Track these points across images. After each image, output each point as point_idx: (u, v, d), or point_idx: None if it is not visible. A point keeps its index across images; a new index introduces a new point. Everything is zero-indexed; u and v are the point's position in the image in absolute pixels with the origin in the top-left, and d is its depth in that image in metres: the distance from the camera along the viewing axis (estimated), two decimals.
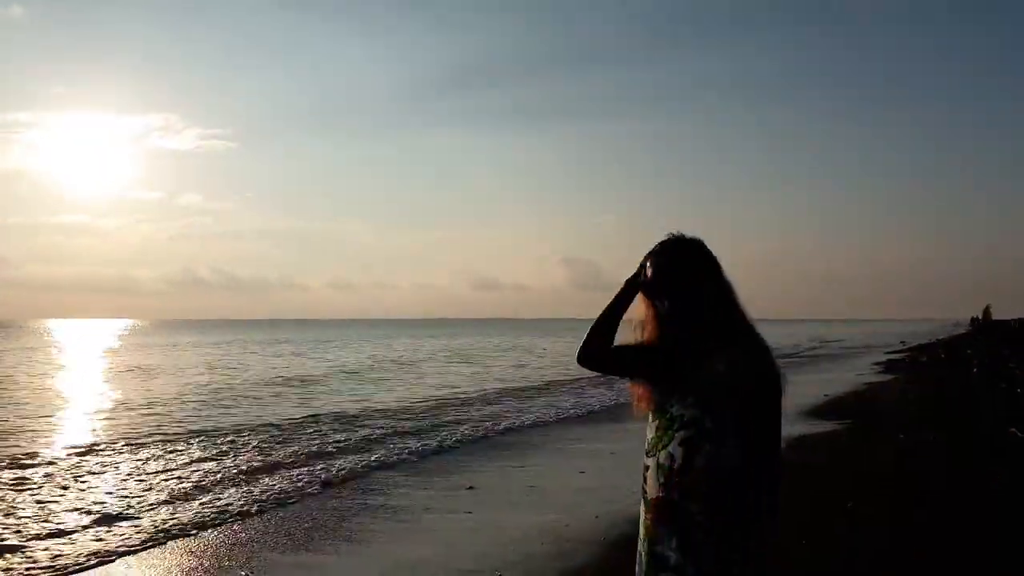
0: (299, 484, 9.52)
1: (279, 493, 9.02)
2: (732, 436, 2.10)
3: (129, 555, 6.76)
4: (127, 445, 12.52)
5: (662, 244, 2.26)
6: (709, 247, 2.27)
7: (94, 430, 14.81)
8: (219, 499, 8.71)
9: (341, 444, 12.66)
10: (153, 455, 11.71)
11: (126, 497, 8.88)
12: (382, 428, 14.59)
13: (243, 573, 6.10)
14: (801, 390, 18.43)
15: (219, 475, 10.10)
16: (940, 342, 40.46)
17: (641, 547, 2.23)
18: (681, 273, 2.20)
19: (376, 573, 6.06)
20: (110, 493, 9.14)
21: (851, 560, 5.55)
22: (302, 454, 11.69)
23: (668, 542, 2.14)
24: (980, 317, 65.82)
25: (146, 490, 9.27)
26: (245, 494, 8.94)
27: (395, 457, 11.45)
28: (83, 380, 28.13)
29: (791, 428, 11.64)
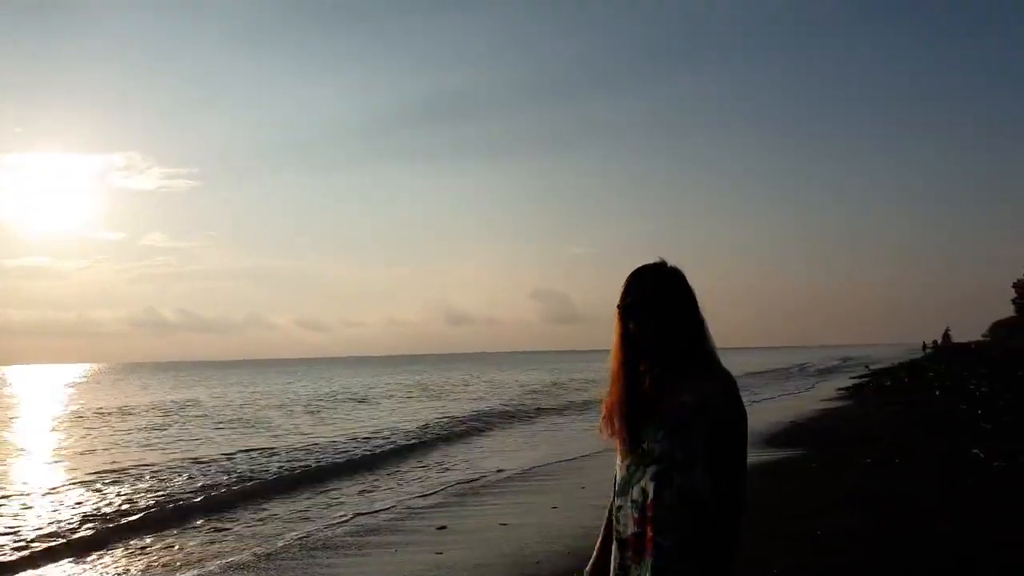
0: (259, 523, 9.34)
1: (239, 534, 8.84)
2: (702, 468, 2.10)
3: None
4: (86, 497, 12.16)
5: (643, 268, 2.27)
6: (688, 278, 2.27)
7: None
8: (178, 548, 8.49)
9: (305, 483, 12.48)
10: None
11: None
12: (351, 468, 14.39)
13: None
14: (766, 416, 18.59)
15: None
16: (903, 365, 41.36)
17: None
18: (656, 299, 2.20)
19: None
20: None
21: None
22: (260, 494, 11.49)
23: None
24: (939, 340, 67.55)
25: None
26: (200, 542, 8.73)
27: (366, 497, 11.28)
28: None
29: (755, 455, 11.73)
